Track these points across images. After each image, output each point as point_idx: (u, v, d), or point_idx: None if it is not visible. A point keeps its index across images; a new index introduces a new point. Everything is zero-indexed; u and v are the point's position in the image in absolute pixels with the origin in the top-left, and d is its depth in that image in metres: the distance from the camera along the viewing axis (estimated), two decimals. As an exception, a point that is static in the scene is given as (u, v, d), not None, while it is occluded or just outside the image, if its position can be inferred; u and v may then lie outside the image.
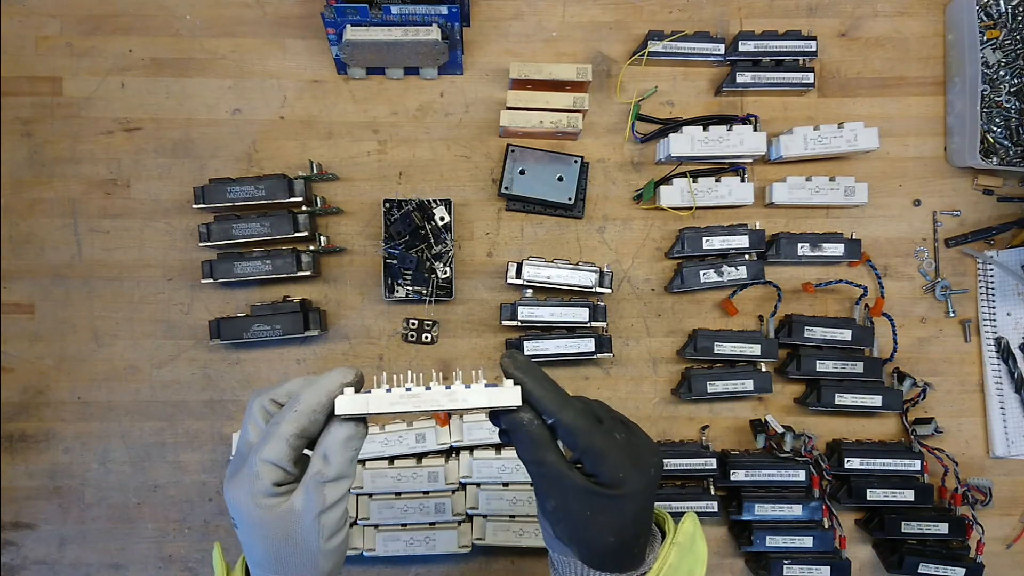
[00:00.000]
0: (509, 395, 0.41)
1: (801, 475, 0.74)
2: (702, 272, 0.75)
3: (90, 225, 0.77)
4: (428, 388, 0.41)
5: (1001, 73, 0.77)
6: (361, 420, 0.41)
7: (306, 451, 0.43)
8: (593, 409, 0.44)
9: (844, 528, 0.76)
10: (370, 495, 0.73)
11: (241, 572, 0.45)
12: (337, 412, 0.41)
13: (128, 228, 0.78)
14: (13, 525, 0.77)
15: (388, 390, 0.41)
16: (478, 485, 0.73)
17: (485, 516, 0.73)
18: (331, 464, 0.40)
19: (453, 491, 0.73)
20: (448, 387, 0.41)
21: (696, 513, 0.73)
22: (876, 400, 0.75)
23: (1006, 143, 0.77)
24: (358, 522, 0.73)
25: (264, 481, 0.40)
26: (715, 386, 0.74)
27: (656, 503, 0.46)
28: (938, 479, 0.77)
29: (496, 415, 0.43)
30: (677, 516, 0.47)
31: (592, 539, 0.42)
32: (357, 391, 0.42)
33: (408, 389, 0.41)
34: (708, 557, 0.46)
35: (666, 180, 0.77)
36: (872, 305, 0.78)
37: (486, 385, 0.41)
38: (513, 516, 0.73)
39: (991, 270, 0.79)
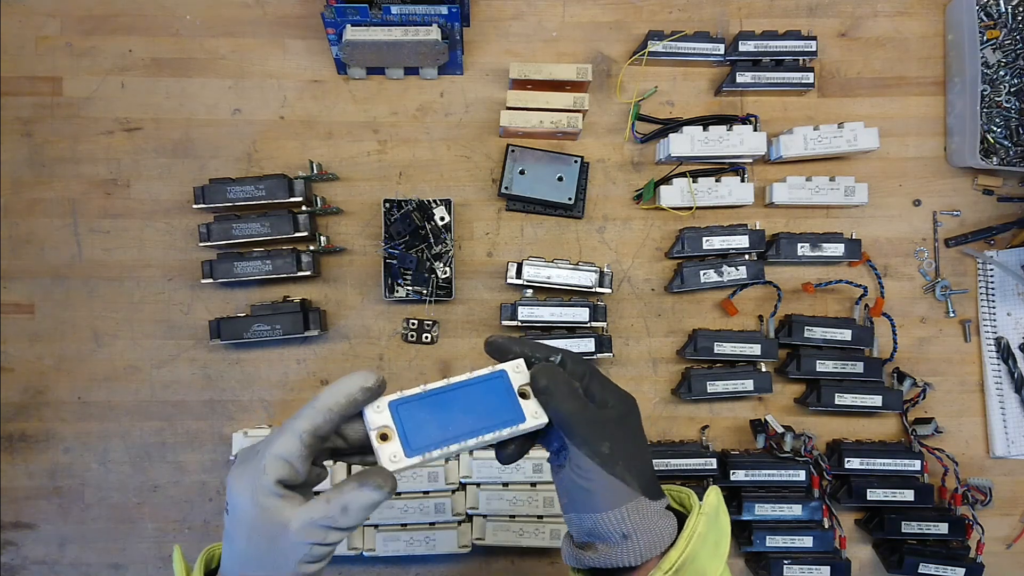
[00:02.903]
0: (536, 417, 0.44)
1: (801, 475, 0.74)
2: (702, 272, 0.75)
3: (90, 225, 0.77)
4: (465, 441, 0.43)
5: (1001, 73, 0.77)
6: (390, 486, 0.41)
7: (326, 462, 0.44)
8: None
9: (844, 528, 0.76)
10: (370, 495, 0.73)
11: (200, 572, 0.44)
12: (392, 469, 0.41)
13: (128, 228, 0.78)
14: (13, 525, 0.77)
15: (431, 446, 0.42)
16: (478, 485, 0.73)
17: (485, 516, 0.73)
18: (349, 518, 0.40)
19: (453, 491, 0.73)
20: (481, 436, 0.43)
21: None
22: (876, 400, 0.75)
23: (1006, 143, 0.77)
24: (358, 522, 0.73)
25: (268, 477, 0.40)
26: (715, 386, 0.74)
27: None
28: (938, 479, 0.77)
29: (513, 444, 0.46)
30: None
31: (642, 462, 0.45)
32: (378, 395, 0.42)
33: (448, 446, 0.42)
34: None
35: (666, 180, 0.77)
36: (872, 305, 0.78)
37: (512, 427, 0.44)
38: (513, 516, 0.73)
39: (991, 270, 0.79)
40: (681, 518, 0.45)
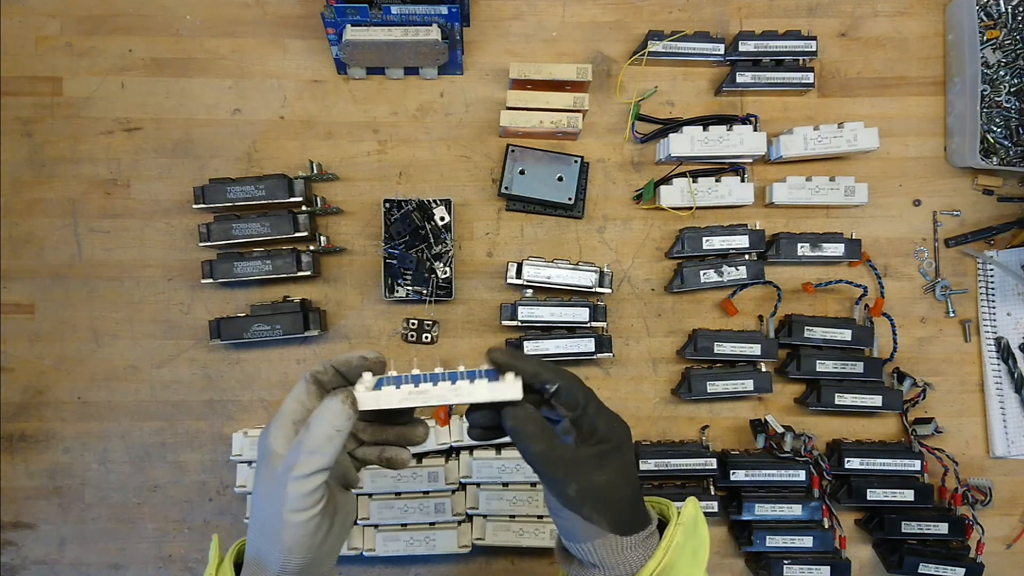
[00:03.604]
0: (510, 389, 0.43)
1: (801, 475, 0.74)
2: (702, 272, 0.75)
3: (90, 225, 0.77)
4: (435, 384, 0.43)
5: (1001, 73, 0.77)
6: (352, 405, 0.42)
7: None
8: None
9: (844, 528, 0.76)
10: (370, 495, 0.73)
11: (230, 562, 0.45)
12: (362, 407, 0.43)
13: (128, 228, 0.78)
14: (13, 525, 0.77)
15: (397, 385, 0.44)
16: (478, 485, 0.73)
17: (485, 516, 0.73)
18: (309, 433, 0.41)
19: (453, 491, 0.73)
20: (453, 383, 0.43)
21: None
22: (876, 400, 0.75)
23: (1006, 143, 0.77)
24: (358, 522, 0.73)
25: (286, 417, 0.44)
26: (715, 386, 0.74)
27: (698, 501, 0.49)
28: (938, 479, 0.77)
29: (484, 411, 0.45)
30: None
31: (617, 500, 0.44)
32: (376, 374, 0.46)
33: (416, 385, 0.43)
34: (710, 542, 0.47)
35: (666, 180, 0.77)
36: (872, 305, 0.78)
37: (489, 380, 0.43)
38: (513, 516, 0.73)
39: (991, 270, 0.79)
40: (662, 527, 0.46)
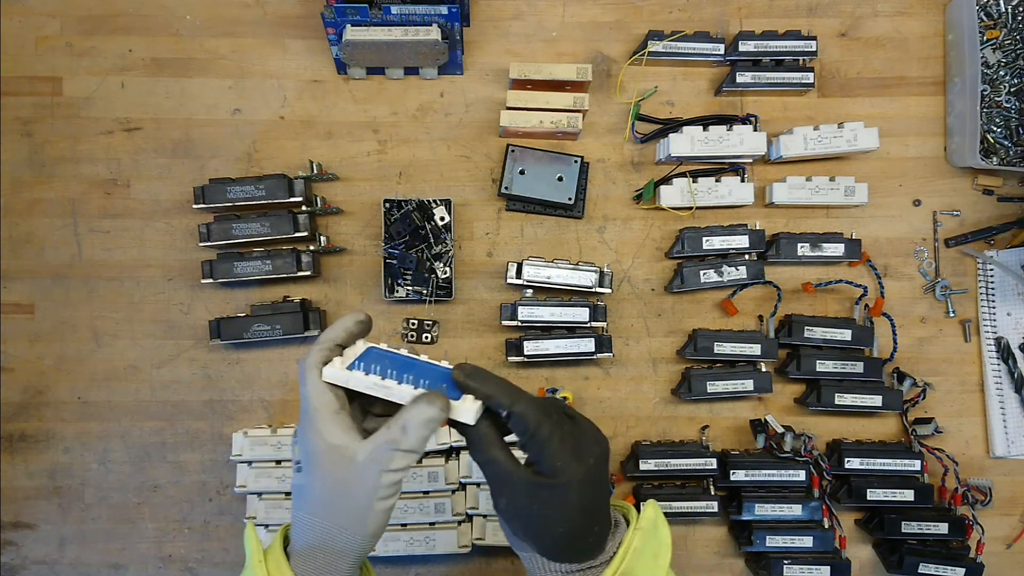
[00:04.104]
0: (465, 412, 0.44)
1: (801, 475, 0.74)
2: (702, 272, 0.75)
3: (90, 225, 0.77)
4: (399, 383, 0.46)
5: (1001, 73, 0.77)
6: (444, 405, 0.44)
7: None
8: (544, 404, 0.46)
9: (844, 528, 0.76)
10: (370, 495, 0.73)
11: (280, 547, 0.46)
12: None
13: (128, 228, 0.78)
14: (13, 525, 0.77)
15: (372, 369, 0.46)
16: (478, 485, 0.73)
17: (485, 516, 0.73)
18: (408, 436, 0.43)
19: (453, 491, 0.73)
20: (415, 388, 0.45)
21: (694, 513, 0.73)
22: (876, 400, 0.75)
23: (1006, 143, 0.77)
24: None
25: (328, 409, 0.45)
26: (715, 386, 0.74)
27: (658, 503, 0.49)
28: (938, 479, 0.77)
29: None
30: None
31: (543, 531, 0.44)
32: (368, 328, 0.49)
33: (383, 378, 0.46)
34: (671, 542, 0.48)
35: (666, 180, 0.77)
36: (872, 305, 0.78)
37: (449, 398, 0.45)
38: (513, 516, 0.73)
39: (991, 270, 0.79)
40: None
